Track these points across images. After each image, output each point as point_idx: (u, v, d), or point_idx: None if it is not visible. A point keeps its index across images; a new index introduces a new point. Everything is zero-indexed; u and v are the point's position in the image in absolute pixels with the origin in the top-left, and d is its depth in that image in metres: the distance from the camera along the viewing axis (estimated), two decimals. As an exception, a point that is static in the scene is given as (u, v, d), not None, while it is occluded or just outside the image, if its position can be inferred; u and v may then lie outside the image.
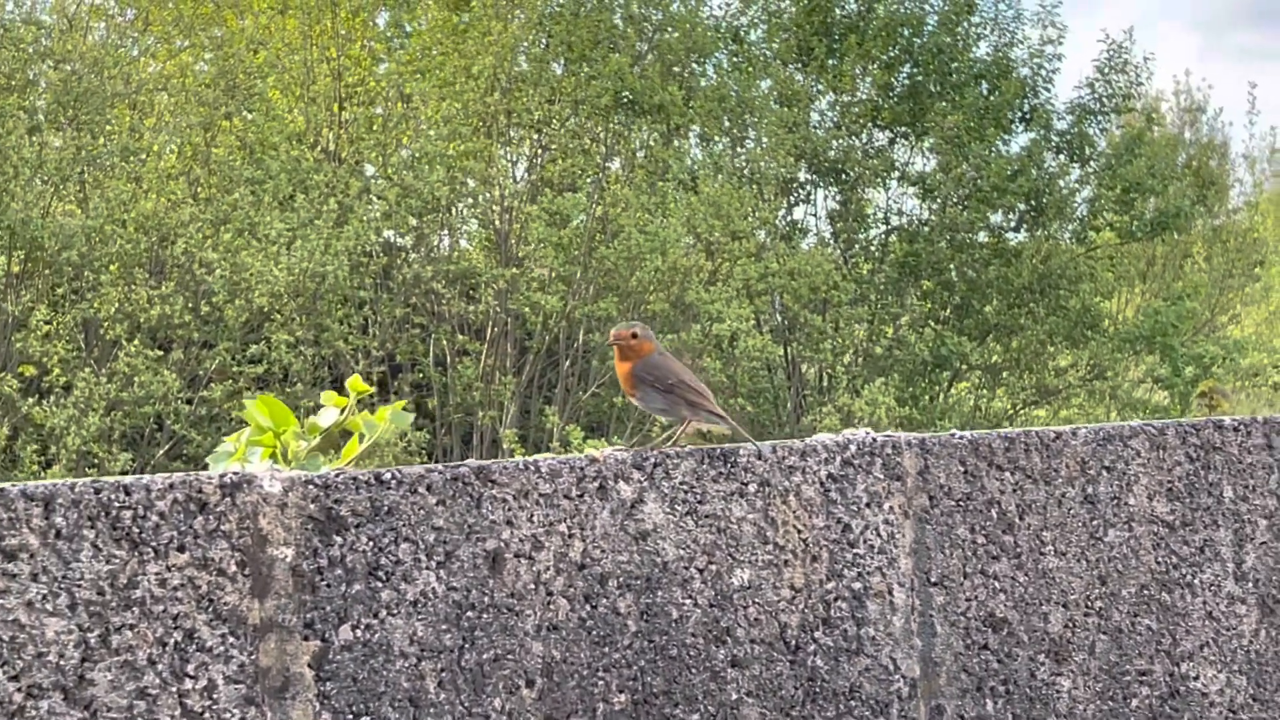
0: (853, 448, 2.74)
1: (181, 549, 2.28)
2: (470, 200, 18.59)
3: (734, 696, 2.62)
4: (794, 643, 2.67)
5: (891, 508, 2.76)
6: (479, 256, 18.65)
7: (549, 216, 17.60)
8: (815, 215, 21.91)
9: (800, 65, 20.93)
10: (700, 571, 2.62)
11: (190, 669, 2.28)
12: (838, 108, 21.01)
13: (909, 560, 2.76)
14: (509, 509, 2.50)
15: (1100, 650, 2.88)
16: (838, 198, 21.15)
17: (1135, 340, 20.74)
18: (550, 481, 2.53)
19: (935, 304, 20.56)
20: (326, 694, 2.36)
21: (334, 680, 2.36)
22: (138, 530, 2.26)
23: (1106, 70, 22.11)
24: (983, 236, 20.85)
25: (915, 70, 21.28)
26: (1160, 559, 2.94)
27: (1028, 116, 21.50)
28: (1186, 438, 2.98)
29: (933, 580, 2.78)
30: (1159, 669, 2.92)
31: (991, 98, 21.11)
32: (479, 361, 17.96)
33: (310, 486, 2.38)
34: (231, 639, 2.30)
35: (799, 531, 2.69)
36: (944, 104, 20.67)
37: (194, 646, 2.28)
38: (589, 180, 18.48)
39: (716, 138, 19.97)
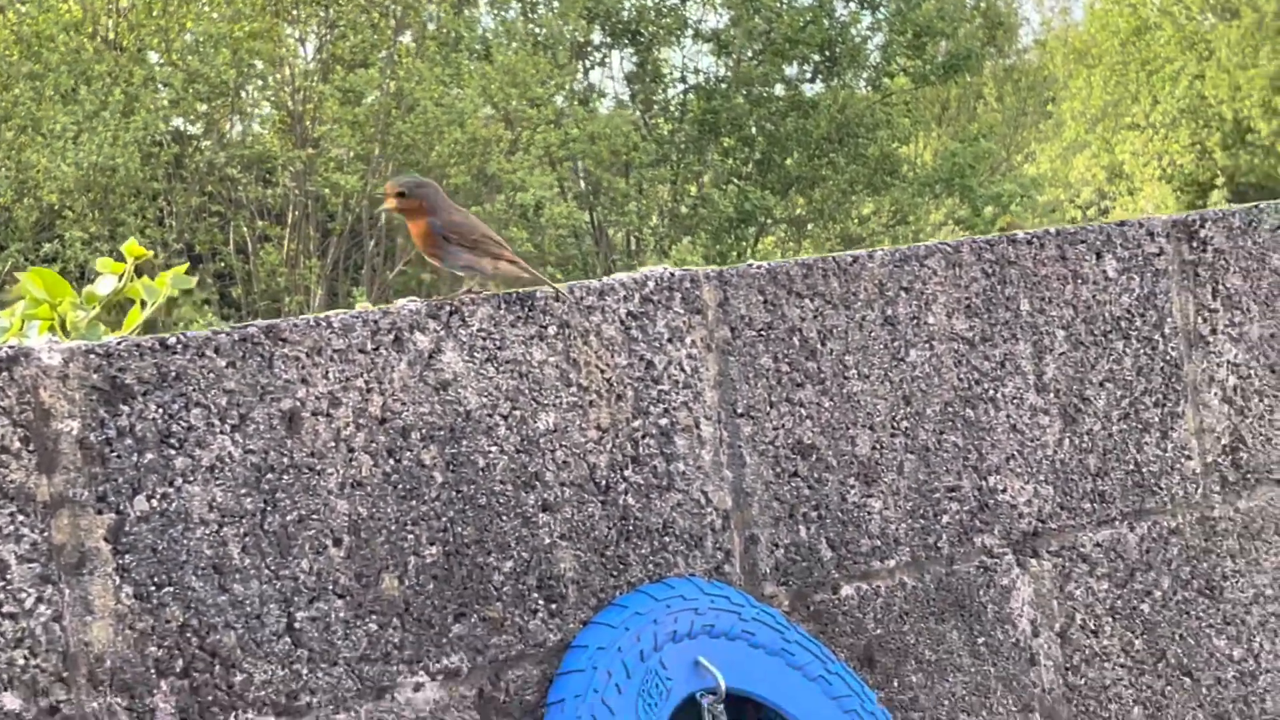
0: (651, 284, 2.71)
1: (-40, 429, 2.19)
2: (260, 82, 18.25)
3: (546, 541, 2.60)
4: (604, 483, 2.65)
5: (693, 341, 2.73)
6: (273, 140, 18.34)
7: (342, 95, 17.34)
8: (612, 78, 21.81)
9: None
10: (504, 418, 2.58)
11: (-19, 552, 2.20)
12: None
13: (714, 393, 2.74)
14: (302, 367, 2.44)
15: (909, 470, 2.89)
16: (634, 59, 21.07)
17: (935, 183, 20.98)
18: (343, 336, 2.47)
19: (737, 160, 20.60)
20: (125, 567, 2.29)
21: (133, 552, 2.30)
22: (-88, 412, 2.16)
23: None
24: (780, 90, 20.90)
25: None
26: (962, 375, 2.95)
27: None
28: (981, 254, 2.98)
29: (739, 411, 2.76)
30: (967, 484, 2.94)
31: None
32: (282, 246, 17.73)
33: (92, 356, 2.29)
34: (21, 517, 2.22)
35: (602, 371, 2.66)
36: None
37: (-18, 528, 2.19)
38: (380, 55, 18.21)
39: (508, 4, 19.76)
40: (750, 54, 20.60)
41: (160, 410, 2.33)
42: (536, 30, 19.48)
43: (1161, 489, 3.12)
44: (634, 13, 20.53)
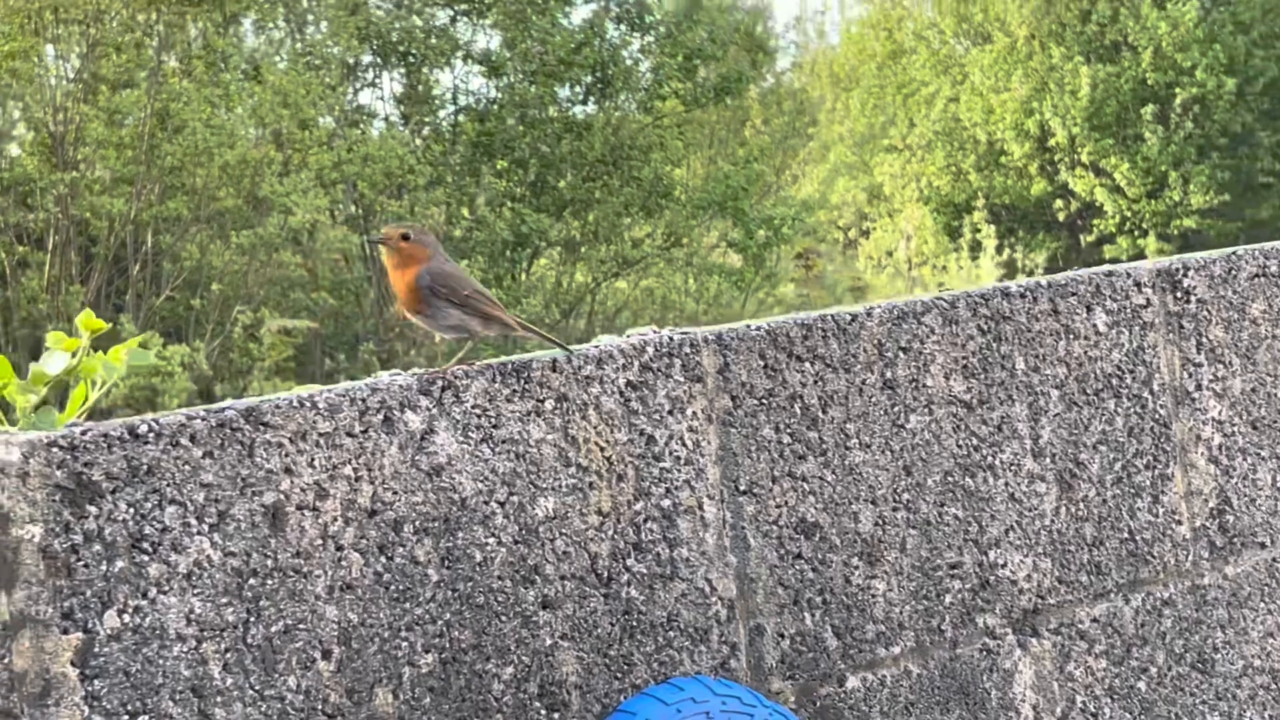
0: (650, 350, 2.44)
1: (-92, 541, 1.85)
2: (19, 102, 17.51)
3: (548, 642, 2.32)
4: (606, 574, 2.38)
5: (694, 413, 2.47)
6: (32, 162, 17.59)
7: (106, 115, 16.71)
8: (382, 99, 21.38)
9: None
10: (501, 505, 2.30)
11: (-68, 686, 1.86)
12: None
13: (716, 469, 2.49)
14: (286, 454, 2.13)
15: (911, 546, 2.67)
16: (403, 80, 20.69)
17: (708, 206, 20.90)
18: (330, 419, 2.17)
19: (511, 182, 20.31)
20: (95, 694, 1.97)
21: (102, 677, 1.97)
22: None
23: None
24: (553, 111, 20.68)
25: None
26: (961, 442, 2.74)
27: (588, -12, 21.41)
28: (977, 309, 2.77)
29: (741, 489, 2.51)
30: (969, 560, 2.73)
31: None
32: (43, 272, 17.02)
33: (55, 450, 1.97)
34: (-21, 643, 1.89)
35: (602, 449, 2.39)
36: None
37: (-66, 658, 1.86)
38: (145, 75, 17.62)
39: (274, 24, 19.27)
40: (522, 75, 20.35)
41: (131, 510, 2.01)
42: (306, 50, 19.00)
43: (1154, 557, 2.94)
44: (403, 34, 20.14)
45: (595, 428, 2.38)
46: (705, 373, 2.49)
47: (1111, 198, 28.64)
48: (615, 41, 21.04)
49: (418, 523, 2.22)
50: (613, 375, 2.41)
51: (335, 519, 2.16)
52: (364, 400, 2.20)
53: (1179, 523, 2.98)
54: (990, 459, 2.76)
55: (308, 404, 2.15)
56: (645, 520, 2.42)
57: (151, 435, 2.03)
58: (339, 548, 2.16)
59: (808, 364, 2.58)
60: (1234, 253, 3.11)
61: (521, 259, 20.12)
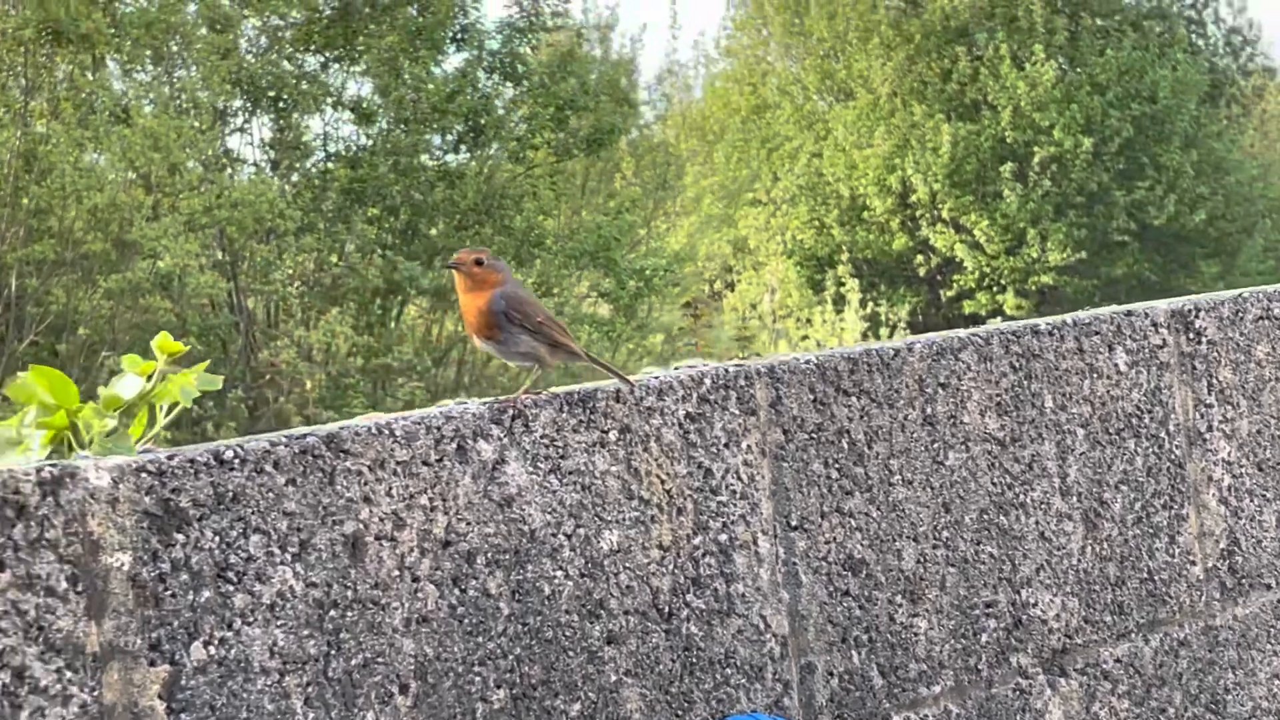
0: (707, 382, 2.41)
1: (1, 566, 1.78)
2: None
3: (613, 678, 2.27)
4: (667, 609, 2.34)
5: (749, 446, 2.44)
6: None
7: (-28, 156, 16.39)
8: (252, 144, 21.14)
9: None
10: (568, 538, 2.25)
11: (25, 718, 1.78)
12: (268, 32, 20.33)
13: (769, 504, 2.46)
14: (365, 483, 2.07)
15: (950, 584, 2.65)
16: (274, 125, 20.49)
17: (580, 256, 20.85)
18: (407, 447, 2.11)
19: (382, 229, 20.14)
20: (181, 730, 1.89)
21: (189, 711, 1.90)
22: (-53, 549, 1.74)
23: (533, -13, 22.13)
24: (426, 159, 20.56)
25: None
26: (995, 480, 2.72)
27: (460, 37, 21.30)
28: (1009, 346, 2.77)
29: (793, 524, 2.48)
30: (1003, 599, 2.71)
31: (423, 18, 20.79)
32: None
33: (143, 475, 1.90)
34: (69, 674, 1.82)
35: (662, 482, 2.35)
36: (376, 26, 20.27)
37: (26, 689, 1.78)
38: (9, 116, 17.30)
39: (143, 66, 19.02)
40: (394, 122, 20.23)
41: (217, 538, 1.94)
42: (176, 94, 18.76)
43: (1171, 598, 2.94)
44: (273, 79, 19.96)
45: (656, 460, 2.34)
46: (759, 406, 2.46)
47: (971, 254, 28.98)
48: (488, 91, 20.96)
49: (489, 554, 2.17)
50: (672, 407, 2.37)
51: (411, 549, 2.10)
52: (439, 429, 2.15)
53: (1193, 563, 2.99)
54: (1022, 497, 2.75)
55: (385, 431, 2.10)
56: (703, 555, 2.38)
57: (237, 461, 1.97)
58: (415, 579, 2.10)
59: (854, 398, 2.56)
60: (1240, 295, 3.13)
61: (393, 306, 19.94)
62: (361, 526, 2.06)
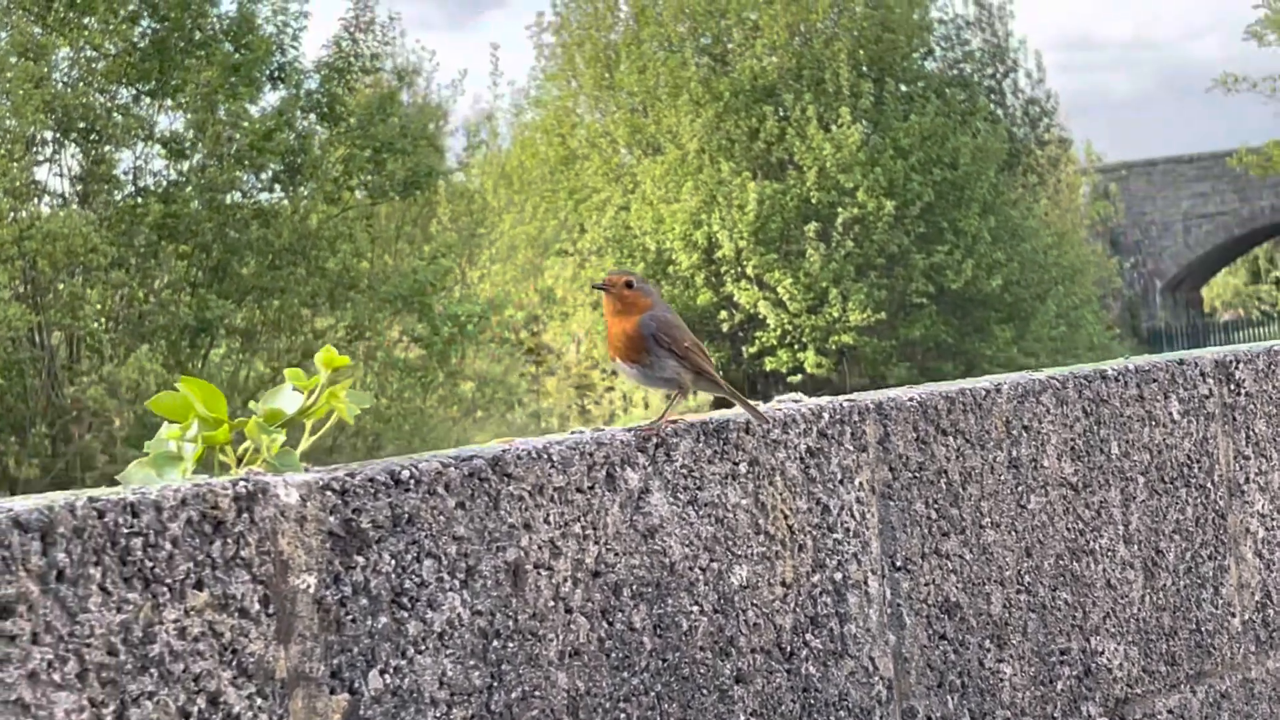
0: (825, 416, 2.35)
1: (199, 585, 1.67)
2: None
3: (741, 719, 2.19)
4: (789, 648, 2.27)
5: (861, 483, 2.39)
6: None
7: None
8: (61, 175, 20.61)
9: (40, 18, 19.63)
10: (703, 571, 2.18)
11: (218, 749, 1.67)
12: (81, 63, 19.90)
13: (878, 543, 2.40)
14: (525, 508, 1.98)
15: (1031, 630, 2.61)
16: (84, 157, 20.02)
17: (395, 300, 20.66)
18: (563, 472, 2.03)
19: (194, 266, 19.78)
20: (357, 764, 1.78)
21: (365, 745, 1.79)
22: (150, 564, 1.63)
23: (353, 29, 21.98)
24: (239, 197, 20.25)
25: (159, 25, 20.44)
26: (1069, 525, 2.70)
27: (277, 75, 21.06)
28: (1082, 391, 2.75)
29: (897, 565, 2.43)
30: (1075, 646, 2.68)
31: (239, 55, 20.51)
32: None
33: (329, 494, 1.79)
34: (260, 700, 1.71)
35: (785, 517, 2.28)
36: (193, 60, 19.94)
37: (220, 715, 1.67)
38: None
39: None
40: (211, 159, 19.89)
41: (394, 561, 1.85)
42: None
43: (1215, 649, 2.94)
44: (82, 110, 19.51)
45: (781, 494, 2.28)
46: (869, 442, 2.40)
47: (774, 311, 29.24)
48: (304, 130, 20.70)
49: (635, 586, 2.09)
50: (795, 440, 2.31)
51: (566, 579, 2.02)
52: (591, 455, 2.06)
53: (1233, 615, 2.99)
54: (1092, 544, 2.73)
55: (544, 456, 2.01)
56: (820, 593, 2.32)
57: (412, 482, 1.87)
58: (568, 610, 2.02)
59: (951, 438, 2.52)
60: (1272, 348, 3.15)
61: (202, 345, 19.57)
62: (522, 554, 1.97)
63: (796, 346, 29.57)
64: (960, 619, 2.50)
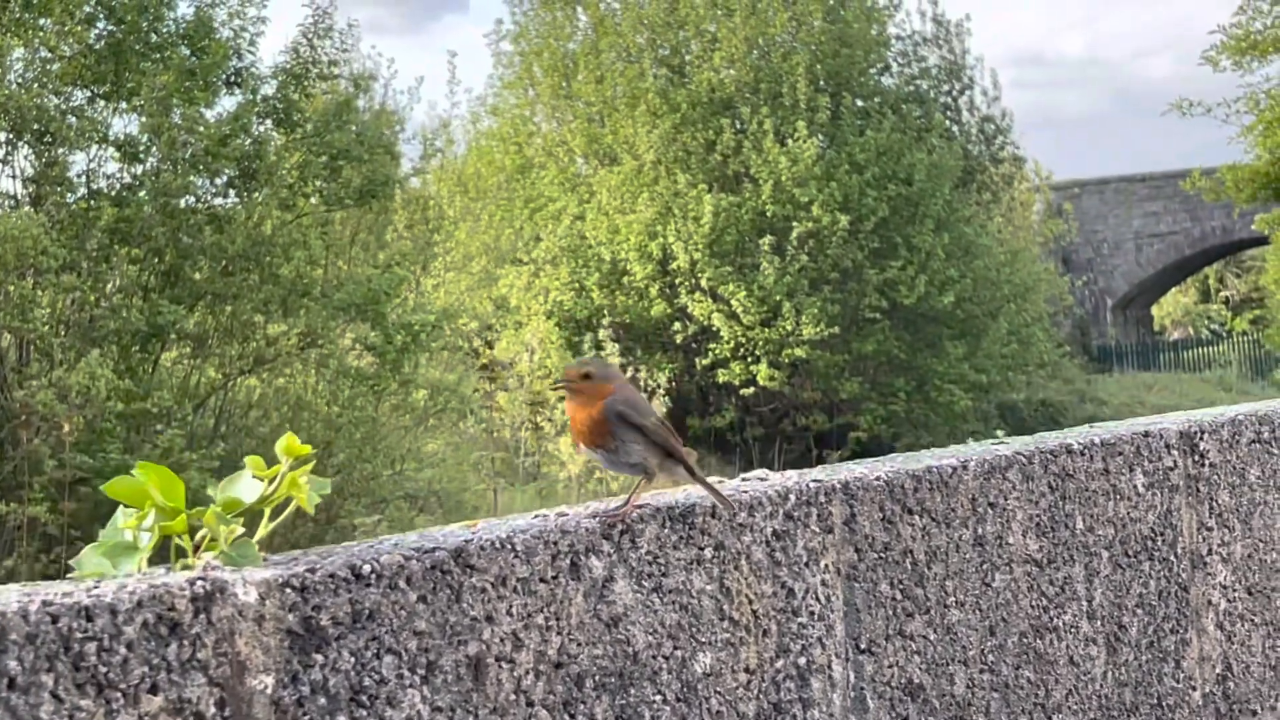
0: (792, 498, 2.32)
1: (154, 689, 1.63)
2: None
3: (702, 809, 2.16)
4: (751, 736, 2.24)
5: (826, 565, 2.36)
6: None
7: None
8: (12, 177, 20.44)
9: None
10: (667, 659, 2.14)
11: None
12: (35, 64, 19.75)
13: (841, 625, 2.37)
14: (488, 600, 1.95)
15: (993, 710, 2.59)
16: (37, 159, 19.87)
17: (348, 308, 20.56)
18: (526, 562, 1.99)
19: (146, 271, 19.63)
20: None
21: None
22: (104, 669, 1.58)
23: (311, 35, 21.87)
24: (193, 202, 20.12)
25: (116, 28, 20.31)
26: (1034, 602, 2.68)
27: (234, 80, 20.93)
28: (1048, 466, 2.73)
29: (861, 647, 2.40)
30: (1037, 724, 2.66)
31: (195, 59, 20.39)
32: None
33: (288, 591, 1.75)
34: (213, 813, 1.66)
35: (750, 602, 2.25)
36: (149, 64, 19.81)
37: (171, 828, 1.62)
38: None
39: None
40: (161, 162, 19.76)
41: (353, 659, 1.81)
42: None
43: (1176, 723, 2.92)
44: (38, 112, 19.36)
45: (746, 579, 2.24)
46: (835, 523, 2.38)
47: (728, 323, 29.24)
48: (260, 137, 20.59)
49: (597, 677, 2.05)
50: (761, 523, 2.28)
51: (528, 672, 1.98)
52: (555, 543, 2.03)
53: (1194, 688, 2.97)
54: (1055, 620, 2.71)
55: (507, 546, 1.97)
56: (784, 679, 2.28)
57: (373, 577, 1.83)
58: (530, 703, 1.98)
59: (917, 517, 2.49)
60: (1235, 418, 3.14)
61: (154, 351, 19.44)
62: (484, 647, 1.93)
63: (749, 359, 29.56)
64: (924, 701, 2.47)
